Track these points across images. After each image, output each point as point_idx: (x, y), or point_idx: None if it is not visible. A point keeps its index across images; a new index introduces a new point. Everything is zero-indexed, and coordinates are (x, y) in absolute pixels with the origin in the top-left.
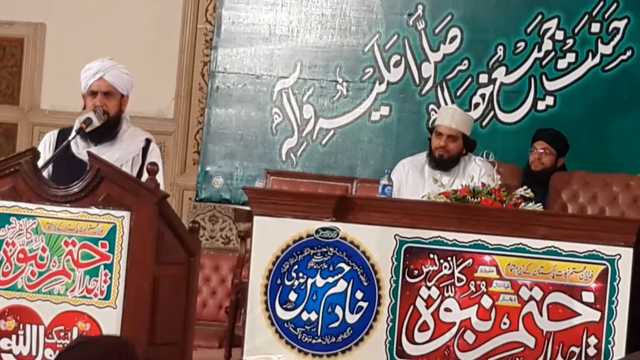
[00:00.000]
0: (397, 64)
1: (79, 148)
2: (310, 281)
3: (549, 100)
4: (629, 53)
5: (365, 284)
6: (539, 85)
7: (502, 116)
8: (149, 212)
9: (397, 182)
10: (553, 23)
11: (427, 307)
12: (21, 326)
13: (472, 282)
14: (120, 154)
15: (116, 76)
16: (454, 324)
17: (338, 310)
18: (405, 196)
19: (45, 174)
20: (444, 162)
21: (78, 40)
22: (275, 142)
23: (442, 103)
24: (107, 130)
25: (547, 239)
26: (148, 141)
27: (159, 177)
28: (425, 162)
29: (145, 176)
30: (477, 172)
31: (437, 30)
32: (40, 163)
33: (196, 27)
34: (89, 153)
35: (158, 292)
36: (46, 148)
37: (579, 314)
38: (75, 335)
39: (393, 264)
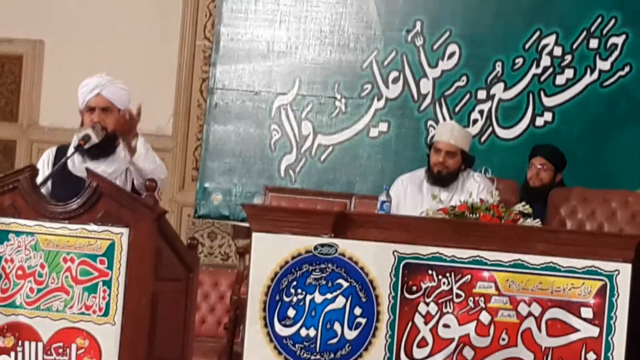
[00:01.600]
0: (395, 80)
1: (76, 164)
2: (308, 297)
3: (548, 116)
4: (627, 69)
5: (364, 300)
6: (537, 101)
7: (500, 132)
8: (148, 228)
9: (395, 198)
10: (551, 39)
11: (426, 323)
12: (20, 343)
13: (471, 298)
14: (115, 166)
15: (114, 92)
16: (452, 339)
17: (337, 326)
18: (403, 212)
19: (44, 191)
20: (442, 178)
21: (77, 57)
22: (274, 158)
23: (441, 119)
24: (105, 146)
25: (545, 255)
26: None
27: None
28: (424, 178)
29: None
30: (475, 188)
31: (435, 47)
32: (39, 180)
33: (195, 43)
34: (87, 170)
35: (157, 308)
36: (45, 165)
37: (577, 330)
38: (73, 352)
39: (391, 280)
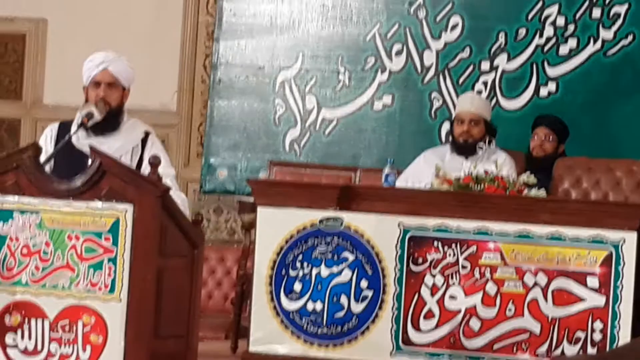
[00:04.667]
0: (398, 53)
1: (80, 139)
2: (314, 271)
3: (551, 86)
4: (630, 38)
5: (370, 272)
6: (541, 71)
7: (504, 103)
8: (152, 204)
9: (416, 169)
10: (554, 9)
11: (432, 294)
12: (26, 321)
13: (477, 269)
14: (120, 144)
15: (120, 68)
16: (459, 311)
17: (343, 299)
18: (424, 179)
19: (47, 167)
20: (468, 147)
21: (80, 35)
22: (278, 133)
23: (445, 91)
24: (109, 123)
25: (551, 225)
26: (147, 134)
27: (167, 167)
28: (447, 151)
29: (144, 168)
30: (501, 159)
31: (438, 19)
32: (42, 156)
33: (197, 19)
34: (91, 147)
35: (162, 285)
36: (47, 141)
37: (584, 299)
38: (80, 330)
39: (397, 252)
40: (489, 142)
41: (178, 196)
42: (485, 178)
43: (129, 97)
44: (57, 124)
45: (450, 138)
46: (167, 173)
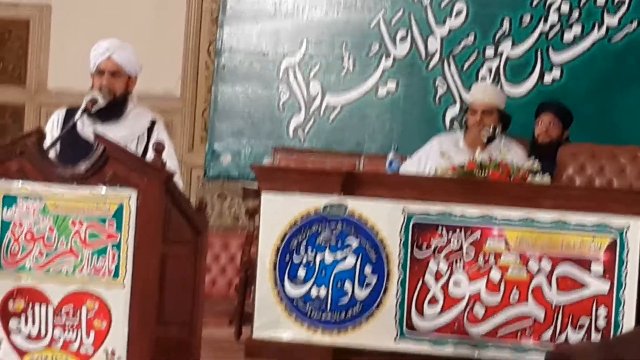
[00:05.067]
0: (403, 39)
1: (85, 127)
2: (318, 257)
3: (556, 72)
4: (634, 24)
5: (374, 258)
6: (546, 58)
7: (508, 89)
8: (156, 190)
9: (431, 152)
10: None
11: (436, 281)
12: (30, 306)
13: (481, 256)
14: (125, 132)
15: (124, 57)
16: (463, 297)
17: (347, 285)
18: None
19: (52, 153)
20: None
21: (84, 20)
22: (282, 119)
23: (449, 77)
24: (112, 110)
25: (555, 211)
26: (153, 122)
27: (170, 158)
28: (460, 137)
29: (150, 155)
30: (513, 148)
31: (442, 5)
32: (47, 142)
33: (202, 5)
34: (95, 133)
35: (166, 271)
36: (54, 127)
37: (588, 286)
38: (83, 315)
39: (401, 238)
40: (503, 131)
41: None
42: (490, 164)
43: (136, 84)
44: (64, 109)
45: (464, 127)
46: (172, 159)
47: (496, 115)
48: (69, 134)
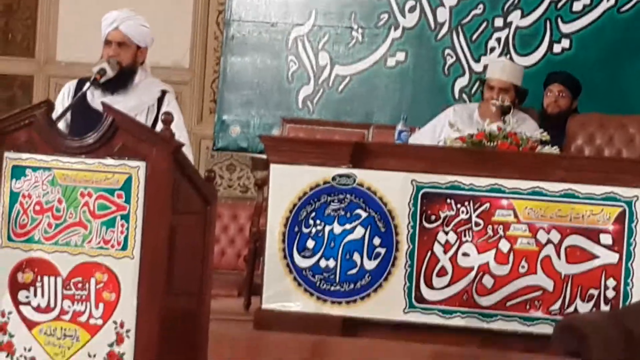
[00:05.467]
0: (412, 9)
1: (95, 98)
2: (327, 228)
3: (565, 42)
4: None
5: (383, 230)
6: (555, 28)
7: (518, 60)
8: (165, 161)
9: (444, 121)
10: None
11: (445, 252)
12: (39, 278)
13: (490, 227)
14: (135, 103)
15: (131, 27)
16: (472, 268)
17: (356, 256)
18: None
19: (63, 125)
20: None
21: None
22: (291, 89)
23: (458, 48)
24: (121, 81)
25: (564, 182)
26: (164, 92)
27: (179, 129)
28: (475, 109)
29: (159, 126)
30: (527, 121)
31: None
32: (55, 115)
33: None
34: (103, 103)
35: (175, 242)
36: (65, 98)
37: (597, 257)
38: (92, 287)
39: (410, 209)
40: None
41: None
42: (499, 135)
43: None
44: (75, 81)
45: (481, 99)
46: (178, 135)
47: (513, 92)
48: (80, 105)
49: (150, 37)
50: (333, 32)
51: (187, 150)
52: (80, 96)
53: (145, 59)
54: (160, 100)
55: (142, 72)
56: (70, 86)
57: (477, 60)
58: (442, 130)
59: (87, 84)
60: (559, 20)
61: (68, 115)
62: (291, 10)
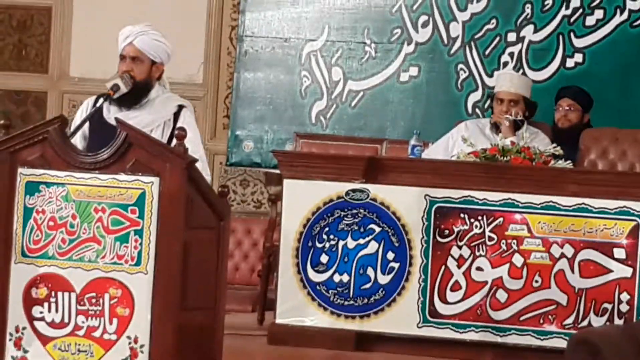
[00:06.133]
0: (425, 24)
1: (111, 113)
2: (341, 243)
3: (578, 57)
4: None
5: (397, 244)
6: (568, 42)
7: (531, 74)
8: (178, 177)
9: (456, 136)
10: None
11: (459, 266)
12: (53, 294)
13: (503, 241)
14: (151, 118)
15: (146, 42)
16: (485, 282)
17: (370, 271)
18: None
19: (81, 141)
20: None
21: (106, 7)
22: (304, 105)
23: (471, 62)
24: (135, 96)
25: (577, 196)
26: (180, 107)
27: (195, 145)
28: (487, 124)
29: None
30: (539, 136)
31: None
32: (69, 131)
33: None
34: (116, 119)
35: (189, 257)
36: (83, 114)
37: (610, 271)
38: (106, 302)
39: (424, 224)
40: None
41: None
42: (512, 149)
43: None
44: (94, 97)
45: (491, 116)
46: (193, 151)
47: (522, 104)
48: (98, 121)
49: (166, 52)
50: (346, 47)
51: (203, 166)
52: (95, 112)
53: (163, 74)
54: (176, 115)
55: (159, 88)
56: (89, 102)
57: (490, 75)
58: (454, 145)
59: (101, 100)
60: (572, 34)
61: (86, 131)
62: (304, 26)
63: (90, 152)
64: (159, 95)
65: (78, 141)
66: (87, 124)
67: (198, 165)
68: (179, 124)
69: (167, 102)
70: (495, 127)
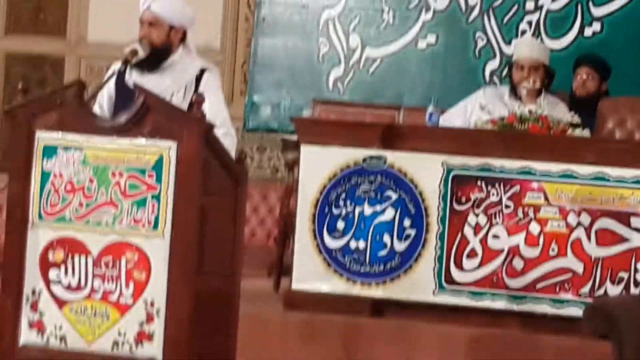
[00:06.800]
0: None
1: (132, 78)
2: (358, 209)
3: (596, 26)
4: None
5: (413, 211)
6: (586, 11)
7: (549, 43)
8: (196, 142)
9: (474, 102)
10: None
11: (475, 234)
12: (69, 257)
13: (520, 209)
14: (170, 81)
15: (163, 6)
16: (502, 250)
17: (386, 238)
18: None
19: (109, 104)
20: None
21: None
22: (322, 71)
23: (489, 31)
24: (154, 60)
25: (595, 165)
26: (202, 70)
27: (218, 110)
28: (506, 91)
29: None
30: (559, 105)
31: None
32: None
33: None
34: (135, 84)
35: (206, 222)
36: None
37: (627, 240)
38: (123, 266)
39: (441, 191)
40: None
41: (227, 139)
42: (530, 118)
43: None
44: (120, 61)
45: (509, 83)
46: (215, 115)
47: (542, 70)
48: (120, 84)
49: (187, 16)
50: (364, 14)
51: (227, 131)
52: (116, 76)
53: (187, 38)
54: (198, 79)
55: (182, 51)
56: (114, 67)
57: (508, 43)
58: (472, 110)
59: (120, 65)
60: (591, 3)
61: (113, 94)
62: None
63: (115, 115)
64: (179, 59)
65: (105, 104)
66: (113, 87)
67: (222, 130)
68: (200, 88)
69: (189, 65)
70: (515, 94)
